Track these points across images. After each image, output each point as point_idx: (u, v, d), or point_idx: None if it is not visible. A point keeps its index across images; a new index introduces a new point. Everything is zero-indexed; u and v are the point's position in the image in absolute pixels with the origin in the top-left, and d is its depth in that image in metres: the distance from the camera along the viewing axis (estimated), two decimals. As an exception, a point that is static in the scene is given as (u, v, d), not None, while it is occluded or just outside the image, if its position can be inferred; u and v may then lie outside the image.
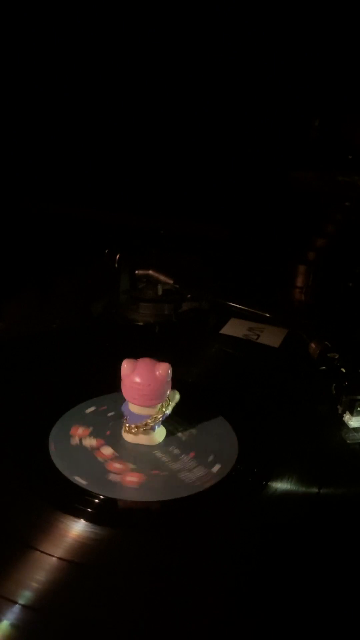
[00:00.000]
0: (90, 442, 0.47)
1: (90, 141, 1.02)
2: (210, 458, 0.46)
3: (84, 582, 0.35)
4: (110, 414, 0.51)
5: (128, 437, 0.48)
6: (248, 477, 0.44)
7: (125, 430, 0.48)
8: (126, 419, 0.48)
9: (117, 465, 0.45)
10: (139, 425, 0.47)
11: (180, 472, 0.44)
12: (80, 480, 0.42)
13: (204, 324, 0.75)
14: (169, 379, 0.46)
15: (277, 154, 0.98)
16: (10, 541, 0.37)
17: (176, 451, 0.47)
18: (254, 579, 0.36)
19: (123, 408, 0.48)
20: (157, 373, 0.45)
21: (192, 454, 0.46)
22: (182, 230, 1.00)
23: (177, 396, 0.48)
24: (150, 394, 0.45)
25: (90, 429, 0.49)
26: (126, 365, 0.45)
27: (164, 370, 0.45)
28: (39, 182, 1.03)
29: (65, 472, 0.43)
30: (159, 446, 0.47)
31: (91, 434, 0.48)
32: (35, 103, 1.00)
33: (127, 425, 0.47)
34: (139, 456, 0.46)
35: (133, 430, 0.47)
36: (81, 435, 0.48)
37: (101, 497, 0.41)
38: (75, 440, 0.47)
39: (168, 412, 0.48)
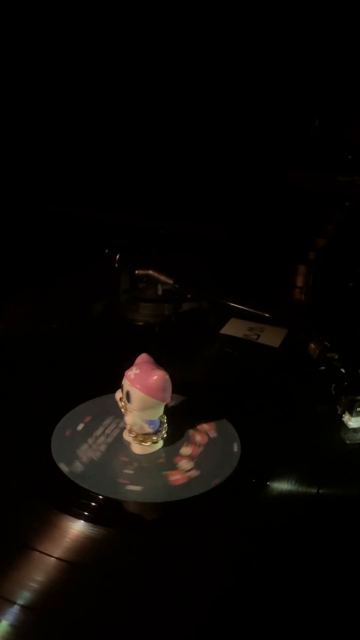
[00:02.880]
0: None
1: (90, 141, 1.02)
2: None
3: (83, 583, 0.35)
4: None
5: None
6: (248, 477, 0.44)
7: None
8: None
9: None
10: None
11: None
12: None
13: (204, 324, 0.75)
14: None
15: (277, 154, 0.98)
16: (10, 541, 0.37)
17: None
18: (254, 579, 0.36)
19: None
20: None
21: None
22: (182, 230, 1.00)
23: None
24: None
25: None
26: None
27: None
28: (39, 182, 1.03)
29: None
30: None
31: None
32: (35, 103, 1.00)
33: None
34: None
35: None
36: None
37: (101, 497, 0.41)
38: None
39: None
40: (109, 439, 0.48)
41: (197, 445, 0.47)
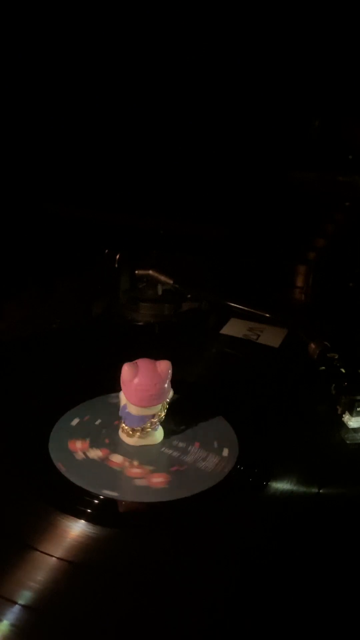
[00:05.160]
0: (96, 453, 0.46)
1: (90, 142, 1.02)
2: (216, 445, 0.47)
3: (83, 582, 0.35)
4: (97, 422, 0.50)
5: (129, 440, 0.47)
6: (248, 477, 0.44)
7: (127, 434, 0.47)
8: (124, 422, 0.48)
9: (136, 470, 0.45)
10: (137, 429, 0.47)
11: (196, 462, 0.45)
12: (110, 493, 0.42)
13: (204, 324, 0.75)
14: (170, 376, 0.46)
15: (277, 154, 0.98)
16: (10, 541, 0.37)
17: (182, 444, 0.47)
18: (254, 579, 0.36)
19: (121, 412, 0.47)
20: (159, 370, 0.45)
21: (197, 444, 0.47)
22: (182, 230, 1.00)
23: (171, 393, 0.48)
24: (156, 393, 0.45)
25: (88, 440, 0.48)
26: (127, 369, 0.45)
27: (165, 367, 0.45)
28: (39, 182, 1.03)
29: (92, 489, 0.42)
30: (162, 443, 0.47)
31: (92, 446, 0.47)
32: (36, 103, 1.00)
33: (126, 428, 0.47)
34: (151, 457, 0.46)
35: (131, 433, 0.47)
36: (83, 449, 0.47)
37: (101, 497, 0.41)
38: (80, 455, 0.46)
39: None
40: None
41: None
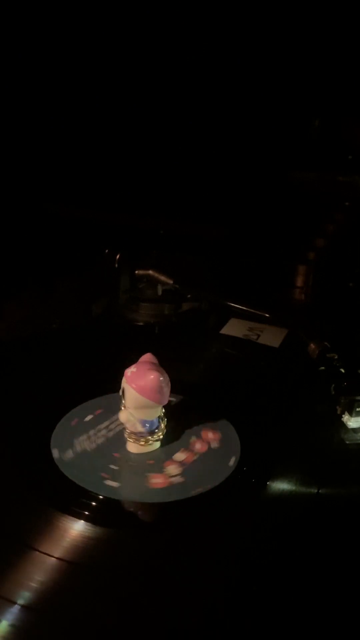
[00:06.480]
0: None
1: (90, 142, 1.02)
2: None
3: (83, 583, 0.35)
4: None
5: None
6: (247, 477, 0.44)
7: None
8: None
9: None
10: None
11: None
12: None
13: (204, 324, 0.75)
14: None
15: (277, 154, 0.98)
16: (10, 541, 0.37)
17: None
18: (253, 580, 0.36)
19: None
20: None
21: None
22: (182, 230, 1.00)
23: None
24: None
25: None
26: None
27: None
28: (39, 182, 1.03)
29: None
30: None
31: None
32: (36, 104, 1.00)
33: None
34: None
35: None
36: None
37: (100, 497, 0.41)
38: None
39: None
40: (109, 435, 0.48)
41: (193, 452, 0.47)
